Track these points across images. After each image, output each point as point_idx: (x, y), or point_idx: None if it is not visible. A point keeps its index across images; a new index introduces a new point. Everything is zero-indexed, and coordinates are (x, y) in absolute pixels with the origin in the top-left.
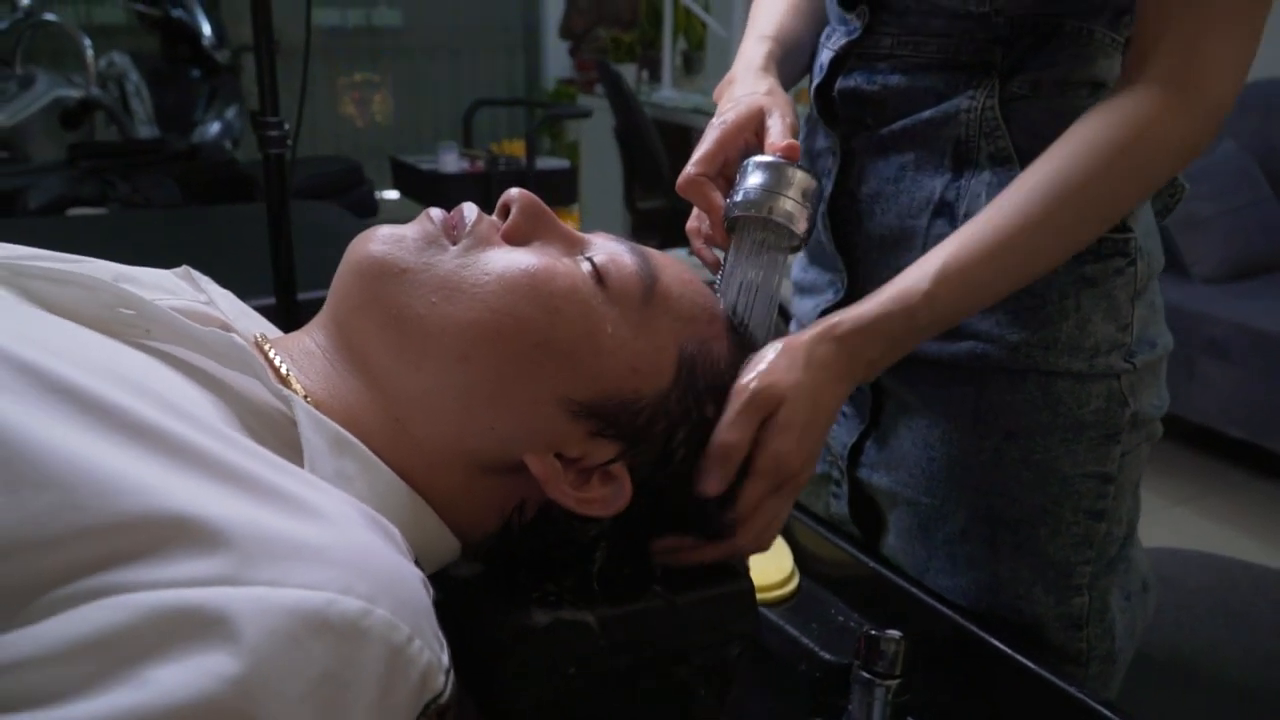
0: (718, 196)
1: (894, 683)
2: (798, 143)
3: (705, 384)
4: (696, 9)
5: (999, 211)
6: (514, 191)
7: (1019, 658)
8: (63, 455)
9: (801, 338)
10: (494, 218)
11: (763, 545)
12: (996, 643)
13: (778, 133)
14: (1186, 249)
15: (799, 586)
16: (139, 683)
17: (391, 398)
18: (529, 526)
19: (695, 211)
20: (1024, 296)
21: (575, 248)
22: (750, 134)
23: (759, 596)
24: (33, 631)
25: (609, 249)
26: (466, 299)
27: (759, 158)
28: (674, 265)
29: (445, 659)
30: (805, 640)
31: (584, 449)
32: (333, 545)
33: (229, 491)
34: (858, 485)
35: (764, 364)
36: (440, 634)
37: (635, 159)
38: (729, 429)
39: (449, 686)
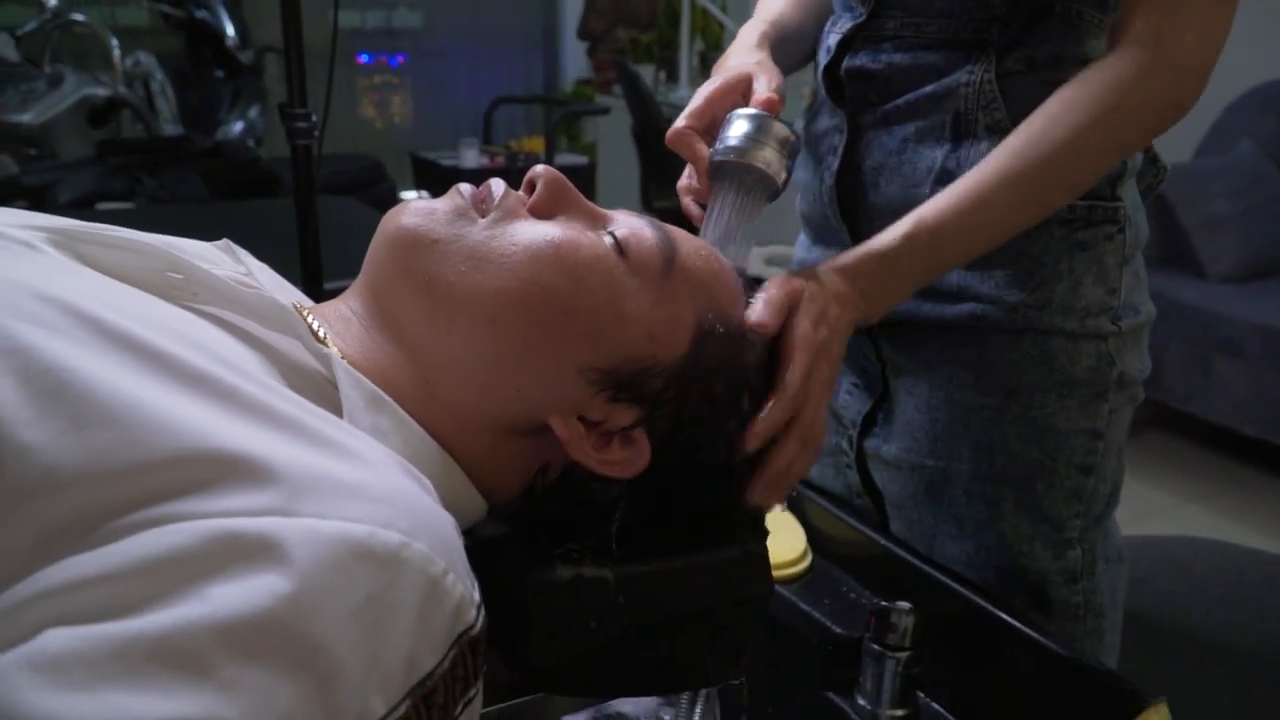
0: (703, 148)
1: (904, 655)
2: (777, 97)
3: (721, 351)
4: (714, 10)
5: (981, 170)
6: (539, 168)
7: (1027, 630)
8: (125, 397)
9: (800, 272)
10: (520, 193)
11: (815, 434)
12: (1005, 616)
13: (762, 88)
14: (1203, 248)
15: (812, 564)
16: (200, 598)
17: (423, 361)
18: (552, 488)
19: (687, 170)
20: (1021, 259)
21: (598, 222)
22: (738, 95)
23: (773, 574)
24: (101, 553)
25: (630, 223)
26: (494, 268)
27: (741, 110)
28: (692, 240)
29: (477, 595)
30: (818, 615)
31: (605, 413)
32: (373, 485)
33: (277, 434)
34: (863, 457)
35: (778, 277)
36: (472, 573)
37: (652, 159)
38: (760, 313)
39: (480, 620)
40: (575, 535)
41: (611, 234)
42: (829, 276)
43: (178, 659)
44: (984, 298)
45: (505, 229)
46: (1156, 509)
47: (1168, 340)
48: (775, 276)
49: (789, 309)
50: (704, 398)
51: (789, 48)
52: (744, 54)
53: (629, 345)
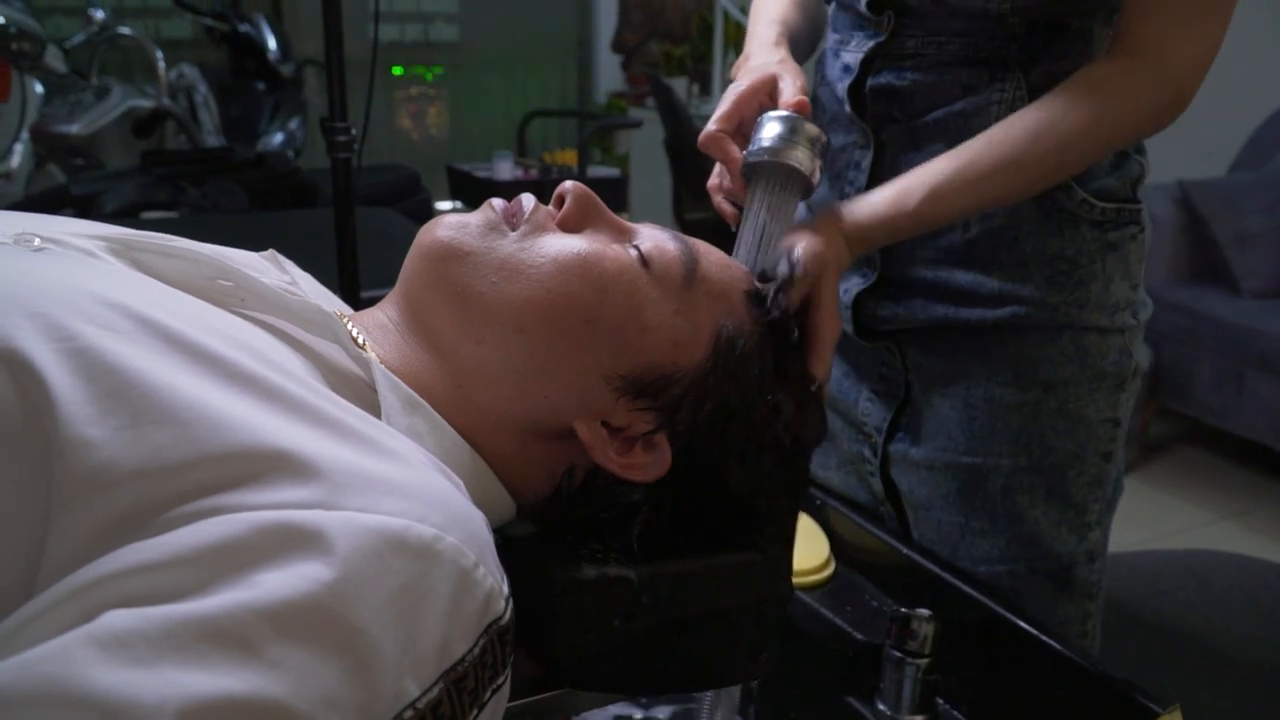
0: (735, 149)
1: (924, 661)
2: (806, 99)
3: (738, 358)
4: (747, 24)
5: (978, 152)
6: (568, 183)
7: (1044, 638)
8: (181, 396)
9: (819, 232)
10: (550, 207)
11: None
12: (1023, 624)
13: (790, 91)
14: (1237, 263)
15: (835, 572)
16: (249, 584)
17: (455, 367)
18: (578, 490)
19: (716, 169)
20: (1059, 262)
21: (624, 235)
22: (764, 96)
23: (796, 581)
24: (158, 541)
25: (654, 236)
26: (524, 279)
27: (773, 112)
28: (713, 252)
29: (506, 588)
30: (839, 622)
31: (628, 418)
32: (410, 482)
33: (321, 433)
34: (885, 462)
35: (803, 254)
36: (501, 567)
37: (684, 171)
38: (825, 314)
39: (508, 611)
40: (601, 536)
41: (636, 247)
42: (839, 242)
43: (229, 640)
44: (1025, 300)
45: (534, 242)
46: (1190, 525)
47: (1201, 355)
48: (804, 240)
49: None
50: (722, 404)
51: (796, 48)
52: (765, 53)
53: (651, 353)
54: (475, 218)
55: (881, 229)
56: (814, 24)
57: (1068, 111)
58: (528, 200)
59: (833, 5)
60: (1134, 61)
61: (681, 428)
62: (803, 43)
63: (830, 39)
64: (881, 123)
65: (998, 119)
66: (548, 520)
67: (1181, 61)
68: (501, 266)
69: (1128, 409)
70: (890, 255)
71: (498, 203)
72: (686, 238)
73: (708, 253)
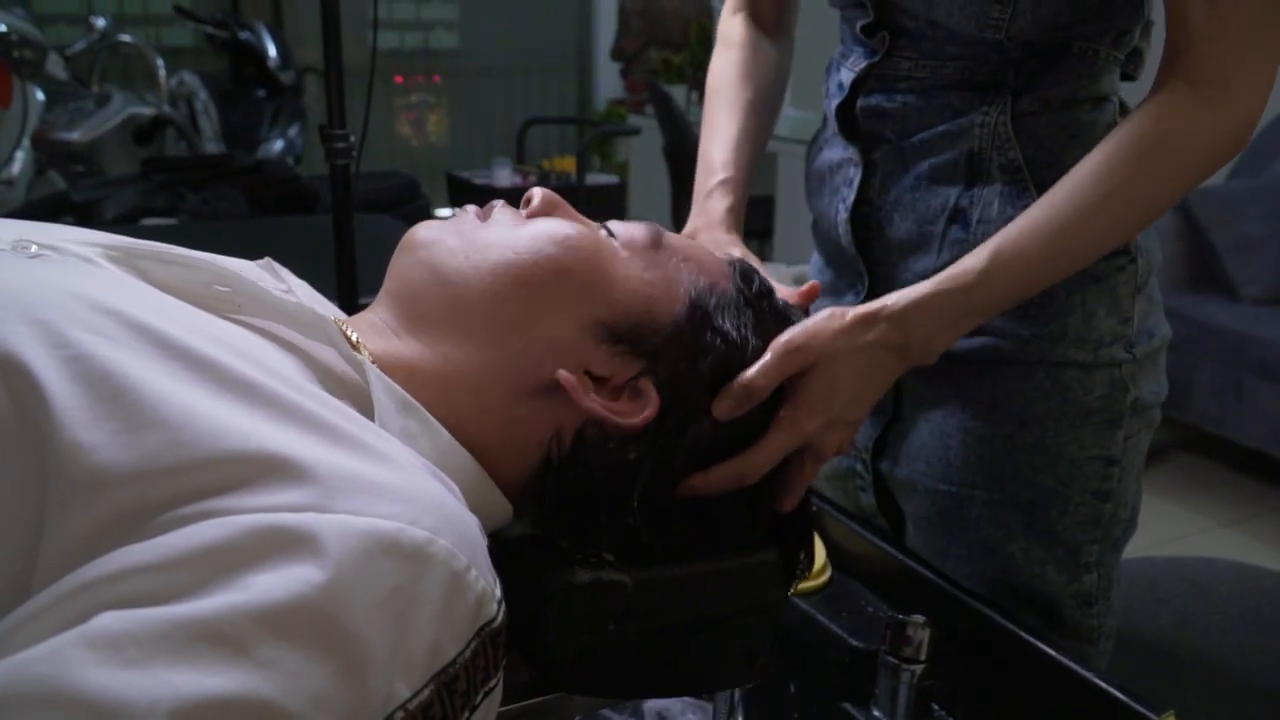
0: None
1: (919, 667)
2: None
3: (716, 314)
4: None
5: (1052, 202)
6: (535, 189)
7: (1040, 645)
8: (175, 401)
9: (851, 311)
10: (519, 209)
11: (780, 503)
12: (1020, 632)
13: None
14: (1236, 270)
15: (831, 578)
16: (241, 586)
17: (441, 343)
18: (568, 457)
19: None
20: None
21: (590, 227)
22: None
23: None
24: (152, 544)
25: (620, 223)
26: (496, 250)
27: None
28: (684, 238)
29: (498, 591)
30: (835, 628)
31: (611, 367)
32: (402, 485)
33: (314, 437)
34: (880, 478)
35: (810, 322)
36: (493, 570)
37: (683, 178)
38: (757, 373)
39: (500, 614)
40: (596, 540)
41: (604, 227)
42: (875, 332)
43: (221, 640)
44: (996, 331)
45: (505, 224)
46: (1189, 533)
47: (1200, 362)
48: (820, 316)
49: (798, 367)
50: (704, 355)
51: (750, 175)
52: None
53: (626, 301)
54: (451, 218)
55: (948, 299)
56: (770, 116)
57: (1138, 157)
58: (499, 202)
59: (838, 15)
60: (1201, 98)
61: (665, 376)
62: (759, 150)
63: (837, 48)
64: (874, 141)
65: (980, 140)
66: (544, 520)
67: (1251, 90)
68: (475, 245)
69: (1131, 447)
70: (877, 273)
71: (471, 208)
72: (655, 225)
73: (676, 235)
